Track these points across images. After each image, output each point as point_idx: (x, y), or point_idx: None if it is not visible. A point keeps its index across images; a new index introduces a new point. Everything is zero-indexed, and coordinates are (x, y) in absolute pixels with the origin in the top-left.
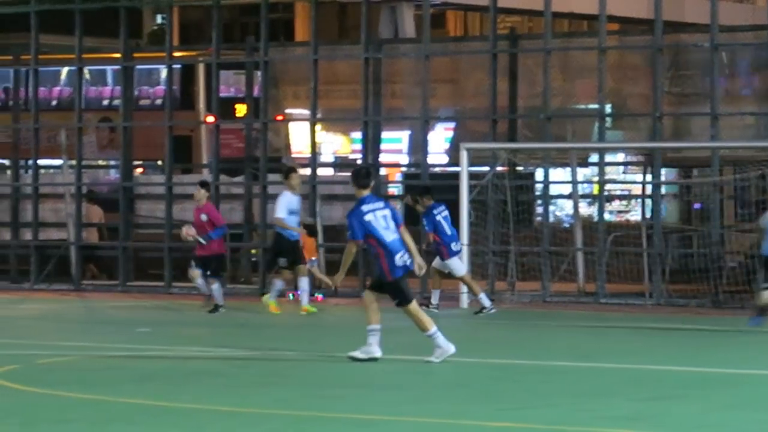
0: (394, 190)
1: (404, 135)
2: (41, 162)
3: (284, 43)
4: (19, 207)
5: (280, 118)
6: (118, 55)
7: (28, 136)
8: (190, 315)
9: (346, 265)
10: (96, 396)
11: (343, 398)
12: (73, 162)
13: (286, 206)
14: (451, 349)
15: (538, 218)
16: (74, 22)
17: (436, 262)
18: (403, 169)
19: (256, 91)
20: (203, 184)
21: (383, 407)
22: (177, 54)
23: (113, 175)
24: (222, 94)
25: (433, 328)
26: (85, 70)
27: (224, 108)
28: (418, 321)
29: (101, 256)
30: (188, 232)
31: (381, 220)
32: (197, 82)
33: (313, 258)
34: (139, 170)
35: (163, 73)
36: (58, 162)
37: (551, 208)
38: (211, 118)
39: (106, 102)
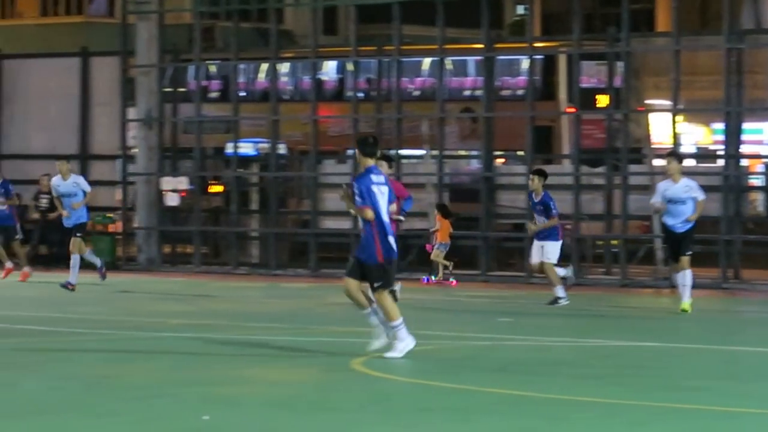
0: (755, 181)
1: (766, 126)
2: (403, 152)
3: (646, 33)
4: None
5: (640, 108)
6: (479, 46)
7: (390, 126)
8: (550, 305)
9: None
10: (457, 385)
11: (703, 390)
12: (435, 152)
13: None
14: (412, 343)
15: None
16: (436, 13)
17: None
18: (765, 160)
19: (617, 82)
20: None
21: (748, 400)
22: (538, 45)
23: (474, 165)
24: (583, 85)
25: (399, 320)
26: (447, 61)
27: (585, 98)
28: (387, 309)
29: (461, 246)
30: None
31: (382, 196)
32: (558, 72)
33: (444, 242)
34: (500, 161)
35: (525, 63)
36: (419, 152)
37: None
38: (571, 109)
39: (467, 92)
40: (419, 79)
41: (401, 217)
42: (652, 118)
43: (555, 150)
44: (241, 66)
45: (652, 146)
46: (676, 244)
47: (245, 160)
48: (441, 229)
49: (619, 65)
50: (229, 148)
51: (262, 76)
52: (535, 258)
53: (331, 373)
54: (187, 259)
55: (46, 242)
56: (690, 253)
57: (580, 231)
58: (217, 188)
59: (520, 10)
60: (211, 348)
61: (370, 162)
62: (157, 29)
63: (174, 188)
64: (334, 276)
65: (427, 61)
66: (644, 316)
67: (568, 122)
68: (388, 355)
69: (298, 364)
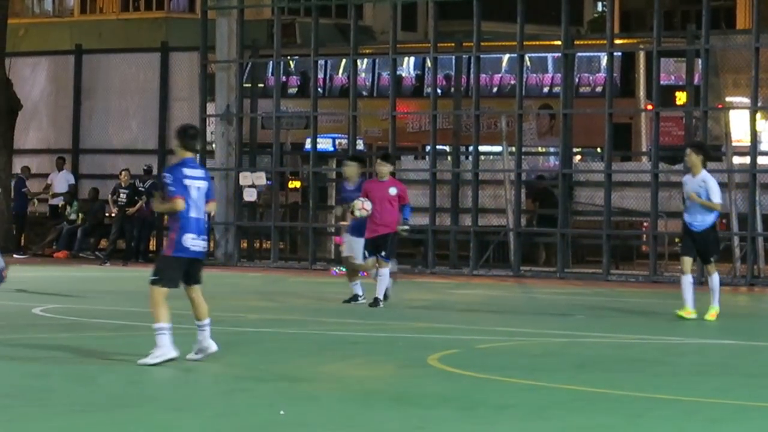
0: None
1: None
2: (481, 148)
3: (725, 30)
4: (460, 193)
5: (719, 106)
6: (558, 43)
7: (468, 122)
8: (628, 302)
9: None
10: (534, 381)
11: None
12: (513, 148)
13: None
14: (172, 353)
15: None
16: (516, 10)
17: None
18: None
19: (696, 79)
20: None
21: None
22: (617, 41)
23: (552, 161)
24: (662, 82)
25: (162, 324)
26: (526, 57)
27: (664, 95)
28: (153, 309)
29: (538, 243)
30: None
31: (195, 191)
32: (637, 69)
33: None
34: (578, 157)
35: (604, 60)
36: (497, 149)
37: None
38: (650, 106)
39: (546, 89)
40: (498, 75)
41: (406, 227)
42: (731, 115)
43: (633, 147)
44: (320, 62)
45: (731, 144)
46: (695, 243)
47: (323, 156)
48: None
49: (699, 62)
50: (308, 144)
51: (340, 72)
52: (348, 251)
53: (408, 369)
54: (265, 254)
55: (123, 236)
56: (714, 258)
57: (658, 228)
58: (295, 184)
59: (600, 7)
60: (288, 343)
61: (188, 155)
62: (236, 25)
63: (252, 184)
64: (410, 272)
65: (506, 58)
66: (721, 314)
67: (647, 119)
68: (141, 361)
69: (376, 360)
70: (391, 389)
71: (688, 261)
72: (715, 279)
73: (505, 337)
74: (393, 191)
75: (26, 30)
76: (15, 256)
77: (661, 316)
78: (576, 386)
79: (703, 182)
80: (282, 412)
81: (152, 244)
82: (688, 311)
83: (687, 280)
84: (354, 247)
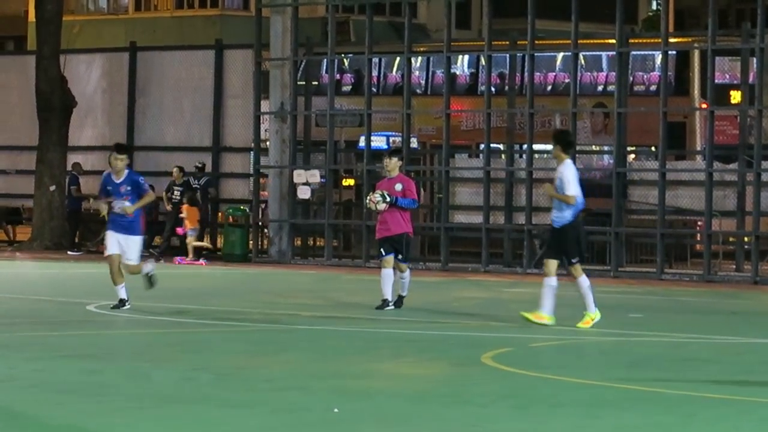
0: None
1: None
2: (535, 146)
3: None
4: (513, 191)
5: None
6: (613, 41)
7: (522, 120)
8: (682, 301)
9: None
10: (587, 380)
11: None
12: None
13: None
14: None
15: None
16: (570, 8)
17: None
18: None
19: (751, 78)
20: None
21: None
22: (672, 40)
23: (606, 160)
24: (717, 81)
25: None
26: (580, 56)
27: (718, 94)
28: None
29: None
30: None
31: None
32: (692, 68)
33: (194, 228)
34: (632, 156)
35: (658, 59)
36: (551, 147)
37: None
38: (705, 105)
39: (600, 87)
40: (552, 73)
41: (387, 200)
42: None
43: (687, 146)
44: (374, 60)
45: None
46: (554, 240)
47: (377, 154)
48: (189, 217)
49: (754, 61)
50: (362, 142)
51: (394, 69)
52: (112, 249)
53: (462, 367)
54: (318, 252)
55: (177, 234)
56: (576, 260)
57: (712, 227)
58: (349, 181)
59: (654, 5)
60: (342, 341)
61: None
62: (291, 22)
63: (306, 181)
64: (464, 270)
65: (560, 56)
66: None
67: (701, 118)
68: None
69: (429, 358)
70: (444, 387)
71: (551, 263)
72: (582, 282)
73: (559, 335)
74: (398, 187)
75: (81, 27)
76: (69, 253)
77: (715, 315)
78: (629, 385)
79: (561, 173)
80: (336, 410)
81: (206, 241)
82: (539, 315)
83: (548, 283)
84: (123, 245)
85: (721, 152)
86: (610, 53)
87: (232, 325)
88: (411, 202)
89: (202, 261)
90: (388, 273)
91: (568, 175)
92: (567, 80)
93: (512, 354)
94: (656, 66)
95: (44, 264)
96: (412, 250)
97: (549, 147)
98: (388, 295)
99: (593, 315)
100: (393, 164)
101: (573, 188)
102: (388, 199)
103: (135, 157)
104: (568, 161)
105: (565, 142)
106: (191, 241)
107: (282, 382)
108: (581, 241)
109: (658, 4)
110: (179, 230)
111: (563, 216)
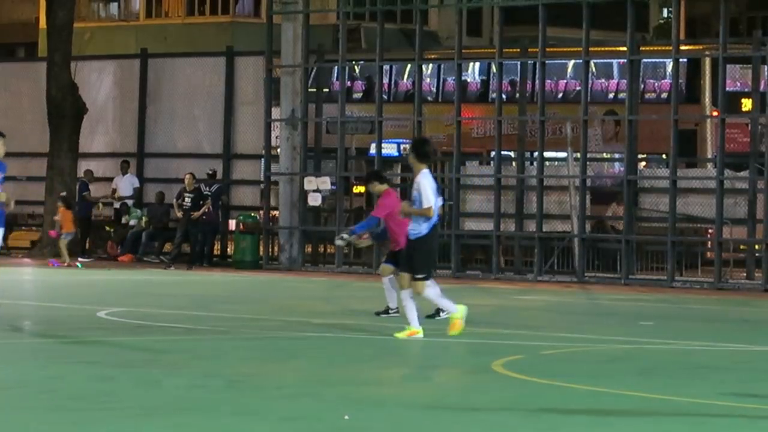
0: None
1: None
2: (546, 154)
3: None
4: (524, 198)
5: None
6: (624, 49)
7: (533, 128)
8: (692, 309)
9: None
10: (598, 388)
11: None
12: (578, 154)
13: None
14: None
15: None
16: (581, 15)
17: None
18: None
19: (762, 86)
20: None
21: None
22: (683, 48)
23: (617, 167)
24: (728, 89)
25: None
26: (591, 63)
27: (730, 102)
28: None
29: (606, 248)
30: None
31: None
32: (703, 76)
33: (69, 231)
34: (643, 164)
35: (669, 66)
36: (562, 154)
37: None
38: (716, 113)
39: (611, 95)
40: (563, 81)
41: (344, 237)
42: None
43: (699, 153)
44: (385, 67)
45: None
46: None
47: (388, 161)
48: (64, 220)
49: (765, 69)
50: (372, 149)
51: (405, 77)
52: None
53: (472, 375)
54: (329, 259)
55: (188, 240)
56: (420, 276)
57: (723, 235)
58: (360, 189)
59: (665, 13)
60: (352, 348)
61: None
62: (302, 29)
63: (316, 188)
64: (475, 277)
65: (571, 64)
66: None
67: (712, 126)
68: None
69: (440, 365)
70: (455, 395)
71: (405, 277)
72: (405, 295)
73: (570, 343)
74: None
75: (92, 34)
76: (80, 259)
77: (726, 323)
78: (640, 393)
79: (418, 184)
80: (346, 417)
81: (216, 248)
82: (410, 331)
83: (405, 296)
84: None
85: (732, 160)
86: (621, 61)
87: (242, 332)
88: (364, 225)
89: (77, 263)
90: (384, 281)
91: (426, 185)
92: (578, 88)
93: (523, 361)
94: (667, 73)
95: (55, 270)
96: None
97: (560, 155)
98: (390, 302)
99: (411, 329)
100: (377, 189)
101: (430, 199)
102: (345, 236)
103: (146, 164)
104: (426, 171)
105: (423, 152)
106: (64, 245)
107: (293, 389)
108: (431, 257)
109: (669, 12)
110: (52, 233)
111: (419, 228)
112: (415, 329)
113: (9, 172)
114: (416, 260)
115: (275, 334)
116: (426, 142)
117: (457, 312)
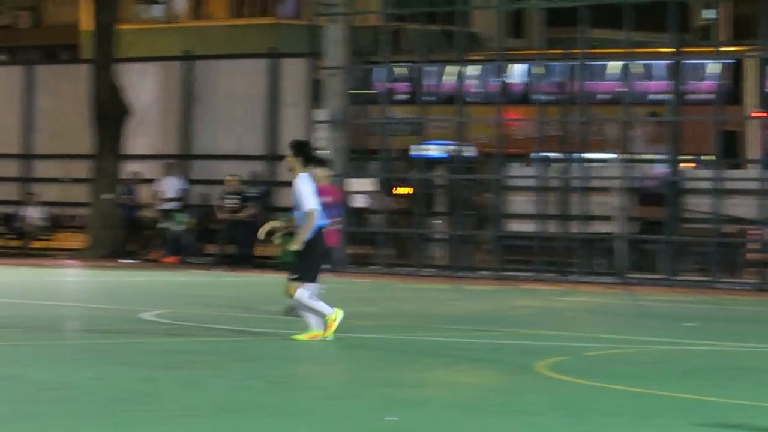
0: None
1: None
2: (589, 155)
3: None
4: (567, 200)
5: None
6: (667, 50)
7: (576, 129)
8: (735, 310)
9: None
10: (642, 389)
11: None
12: (621, 156)
13: None
14: None
15: None
16: (624, 16)
17: None
18: None
19: None
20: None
21: None
22: (726, 49)
23: (659, 169)
24: None
25: None
26: (634, 64)
27: None
28: None
29: (647, 249)
30: None
31: None
32: (746, 77)
33: None
34: (686, 165)
35: (712, 67)
36: (605, 156)
37: None
38: (759, 114)
39: (654, 96)
40: (606, 82)
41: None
42: None
43: (741, 154)
44: (428, 68)
45: None
46: None
47: (431, 162)
48: None
49: None
50: (415, 150)
51: (448, 78)
52: None
53: (515, 376)
54: (373, 260)
55: (233, 242)
56: (300, 278)
57: (766, 236)
58: (404, 190)
59: (708, 14)
60: (396, 349)
61: None
62: (345, 31)
63: (360, 189)
64: (518, 278)
65: (613, 65)
66: None
67: (755, 127)
68: None
69: (483, 367)
70: (498, 396)
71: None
72: (299, 295)
73: (613, 344)
74: None
75: (135, 36)
76: (123, 261)
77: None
78: (683, 394)
79: (297, 188)
80: (389, 419)
81: (259, 250)
82: (313, 333)
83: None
84: None
85: None
86: (664, 62)
87: (285, 334)
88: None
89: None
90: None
91: (305, 189)
92: (621, 89)
93: (566, 363)
94: (710, 75)
95: (98, 272)
96: (466, 258)
97: (604, 156)
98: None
99: (312, 331)
100: (320, 173)
101: (311, 202)
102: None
103: (191, 166)
104: (304, 175)
105: (306, 155)
106: None
107: (335, 391)
108: (313, 262)
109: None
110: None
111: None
112: (316, 332)
113: (51, 173)
114: (304, 263)
115: None
116: (306, 144)
117: (332, 314)
